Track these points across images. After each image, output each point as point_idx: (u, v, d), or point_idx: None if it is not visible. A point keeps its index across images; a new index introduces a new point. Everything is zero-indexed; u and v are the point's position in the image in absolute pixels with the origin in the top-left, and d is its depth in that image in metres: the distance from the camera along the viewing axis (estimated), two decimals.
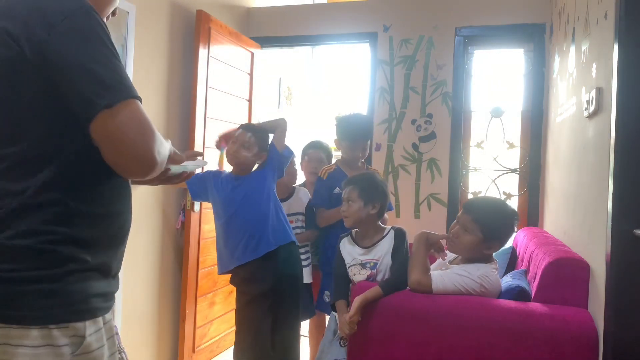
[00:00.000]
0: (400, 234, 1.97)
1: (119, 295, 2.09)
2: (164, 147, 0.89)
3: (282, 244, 2.22)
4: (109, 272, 0.93)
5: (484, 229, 1.81)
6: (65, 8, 0.82)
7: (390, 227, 2.02)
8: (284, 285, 2.21)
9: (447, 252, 2.00)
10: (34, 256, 0.81)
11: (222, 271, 2.33)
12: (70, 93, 0.80)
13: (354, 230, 2.07)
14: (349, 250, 2.03)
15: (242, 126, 2.34)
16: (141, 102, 0.85)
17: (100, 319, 0.89)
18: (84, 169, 0.86)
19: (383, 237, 1.98)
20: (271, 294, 2.20)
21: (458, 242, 1.86)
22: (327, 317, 2.31)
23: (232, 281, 2.31)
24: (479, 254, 1.85)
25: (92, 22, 0.84)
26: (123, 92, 0.81)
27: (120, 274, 0.98)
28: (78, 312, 0.84)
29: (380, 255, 1.95)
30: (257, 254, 2.19)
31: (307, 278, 2.56)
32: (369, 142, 2.63)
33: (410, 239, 2.77)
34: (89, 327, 0.86)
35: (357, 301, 1.79)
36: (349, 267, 1.99)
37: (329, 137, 4.93)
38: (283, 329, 2.25)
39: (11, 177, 0.82)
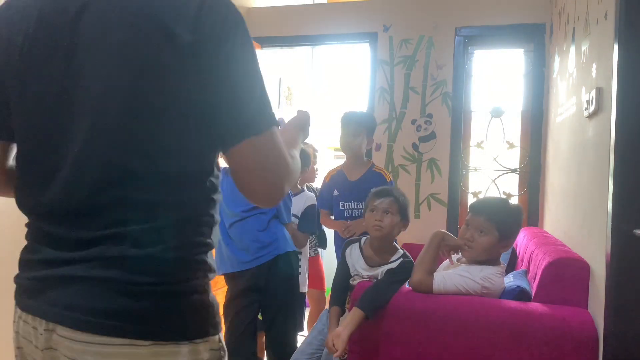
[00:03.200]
0: (406, 266, 1.90)
1: None
2: None
3: (281, 252, 2.22)
4: None
5: (499, 227, 1.80)
6: (230, 11, 0.74)
7: (402, 252, 1.96)
8: (278, 283, 2.21)
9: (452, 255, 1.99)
10: (189, 268, 0.77)
11: (220, 272, 2.33)
12: (220, 110, 0.73)
13: (363, 239, 2.03)
14: (355, 259, 1.99)
15: None
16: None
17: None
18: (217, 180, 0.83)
19: (390, 262, 1.93)
20: (259, 290, 2.21)
21: (475, 246, 1.82)
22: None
23: (226, 278, 2.34)
24: (495, 254, 1.84)
25: (247, 31, 0.74)
26: (270, 118, 0.75)
27: None
28: (215, 325, 0.79)
29: None
30: (259, 261, 2.20)
31: (301, 287, 2.53)
32: (363, 134, 2.52)
33: (409, 239, 2.78)
34: (220, 340, 0.81)
35: (342, 338, 1.70)
36: (351, 276, 1.98)
37: (328, 137, 4.92)
38: (279, 322, 2.24)
39: (168, 190, 0.75)
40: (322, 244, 3.07)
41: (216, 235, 0.84)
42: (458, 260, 1.96)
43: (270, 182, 0.76)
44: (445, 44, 3.30)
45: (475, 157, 3.36)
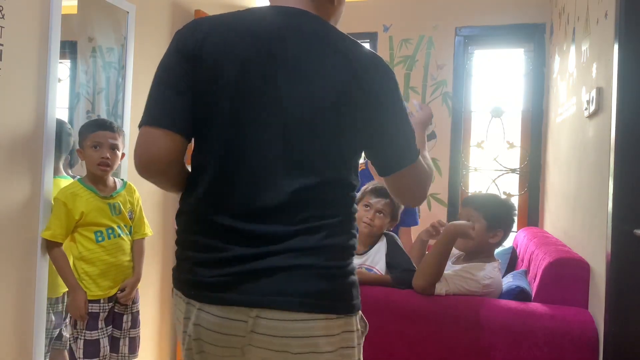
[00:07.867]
0: (392, 240, 2.00)
1: None
2: None
3: None
4: None
5: (486, 215, 1.88)
6: (394, 79, 0.96)
7: (382, 233, 2.03)
8: None
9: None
10: (351, 253, 0.95)
11: None
12: (389, 144, 0.96)
13: None
14: None
15: None
16: None
17: None
18: None
19: (375, 243, 2.00)
20: None
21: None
22: None
23: None
24: (485, 244, 1.88)
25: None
26: (417, 149, 1.00)
27: None
28: (359, 302, 0.95)
29: (376, 262, 1.97)
30: None
31: None
32: None
33: (409, 239, 2.77)
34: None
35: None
36: None
37: None
38: None
39: (346, 192, 0.95)
40: None
41: None
42: (455, 261, 1.98)
43: (421, 192, 1.06)
44: (445, 44, 3.30)
45: (476, 157, 3.36)
